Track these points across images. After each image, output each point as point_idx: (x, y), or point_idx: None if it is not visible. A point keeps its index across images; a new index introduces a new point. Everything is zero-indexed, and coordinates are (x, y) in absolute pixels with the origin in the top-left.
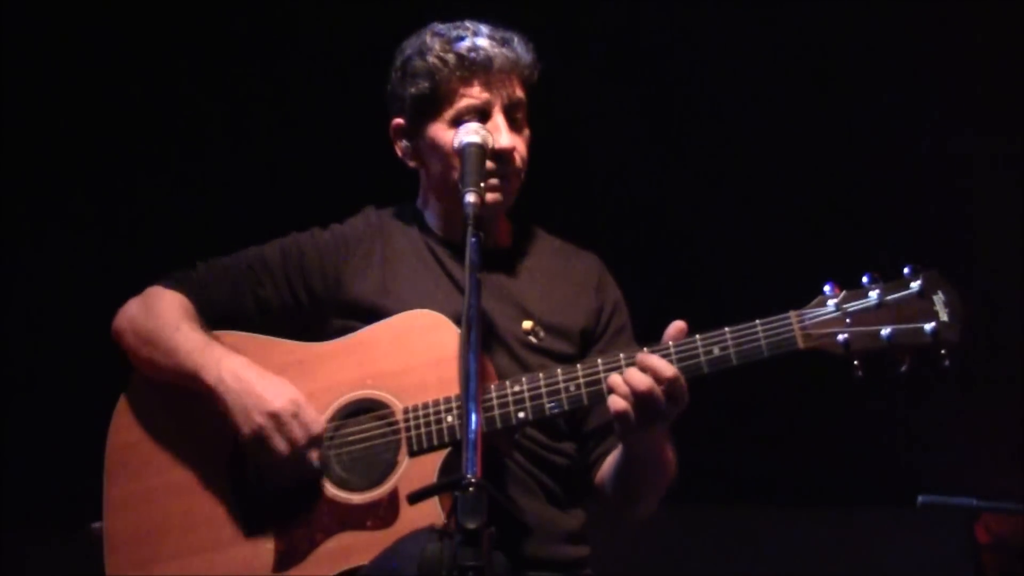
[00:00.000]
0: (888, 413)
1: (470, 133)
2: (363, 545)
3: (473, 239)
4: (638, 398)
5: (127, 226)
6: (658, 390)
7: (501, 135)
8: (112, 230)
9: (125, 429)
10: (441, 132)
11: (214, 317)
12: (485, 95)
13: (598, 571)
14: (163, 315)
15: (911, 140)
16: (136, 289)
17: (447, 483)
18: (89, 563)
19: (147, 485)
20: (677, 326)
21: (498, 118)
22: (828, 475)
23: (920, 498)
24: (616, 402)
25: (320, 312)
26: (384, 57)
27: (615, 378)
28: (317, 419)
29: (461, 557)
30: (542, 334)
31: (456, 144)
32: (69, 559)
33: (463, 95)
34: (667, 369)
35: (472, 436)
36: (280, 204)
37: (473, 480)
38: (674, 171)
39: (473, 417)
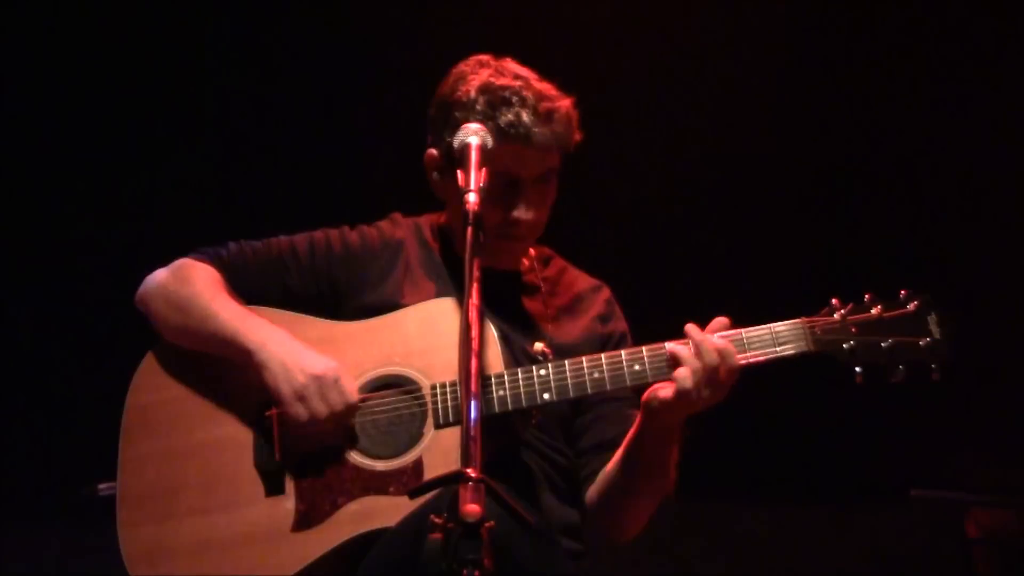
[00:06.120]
0: (880, 408)
1: (470, 134)
2: (385, 509)
3: (473, 239)
4: (707, 371)
5: (149, 211)
6: (724, 367)
7: (522, 208)
8: (131, 215)
9: (147, 390)
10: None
11: (240, 296)
12: (517, 168)
13: (595, 571)
14: (198, 284)
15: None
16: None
17: (447, 477)
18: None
19: (167, 444)
20: (721, 321)
21: (526, 189)
22: (821, 469)
23: (912, 492)
24: (683, 368)
25: (339, 308)
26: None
27: (681, 349)
28: (355, 389)
29: (461, 550)
30: (552, 358)
31: (456, 143)
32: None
33: (497, 162)
34: (734, 352)
35: (472, 432)
36: (309, 202)
37: (473, 474)
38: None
39: (472, 413)
